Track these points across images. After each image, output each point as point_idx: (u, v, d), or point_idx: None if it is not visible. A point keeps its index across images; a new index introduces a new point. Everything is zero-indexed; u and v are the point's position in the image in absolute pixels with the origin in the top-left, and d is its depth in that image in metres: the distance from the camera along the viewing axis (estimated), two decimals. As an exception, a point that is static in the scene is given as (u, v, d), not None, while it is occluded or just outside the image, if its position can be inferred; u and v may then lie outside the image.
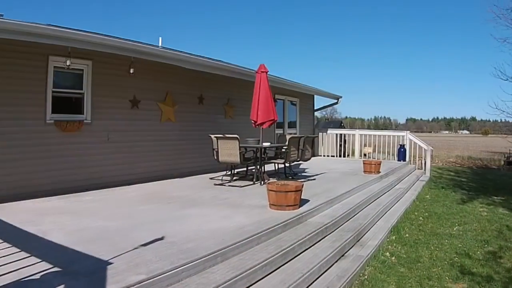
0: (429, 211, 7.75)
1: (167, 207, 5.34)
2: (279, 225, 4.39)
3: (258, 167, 7.40)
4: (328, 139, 14.46)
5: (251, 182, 7.35)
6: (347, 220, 5.54)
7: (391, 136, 13.70)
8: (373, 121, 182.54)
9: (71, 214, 4.74)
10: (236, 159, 7.02)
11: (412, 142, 13.11)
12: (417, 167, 13.03)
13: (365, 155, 15.19)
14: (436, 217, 7.27)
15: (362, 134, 14.26)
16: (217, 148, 7.24)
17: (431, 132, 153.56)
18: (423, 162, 13.29)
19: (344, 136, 15.76)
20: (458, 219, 7.20)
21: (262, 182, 7.28)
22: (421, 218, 7.17)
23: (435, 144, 10.78)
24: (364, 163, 9.18)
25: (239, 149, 6.96)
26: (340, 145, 15.21)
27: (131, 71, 6.97)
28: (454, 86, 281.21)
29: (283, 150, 7.74)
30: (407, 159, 12.96)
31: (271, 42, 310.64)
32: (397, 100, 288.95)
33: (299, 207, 5.06)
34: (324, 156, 14.42)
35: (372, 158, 14.59)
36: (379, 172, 9.04)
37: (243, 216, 4.74)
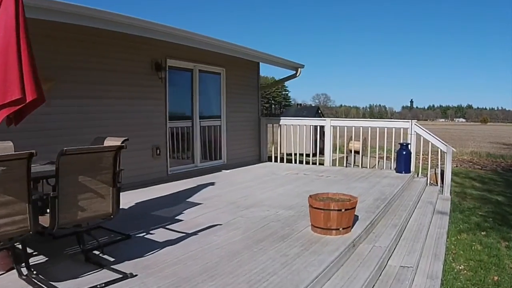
0: None
1: None
2: None
3: None
4: (287, 132, 8.94)
5: None
6: None
7: (385, 128, 8.13)
8: (368, 109, 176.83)
9: None
10: None
11: (422, 139, 7.59)
12: (428, 181, 7.58)
13: (351, 151, 9.86)
14: None
15: (336, 126, 8.67)
16: None
17: (426, 120, 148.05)
18: (438, 172, 7.83)
19: (323, 128, 10.67)
20: None
21: None
22: None
23: (436, 135, 7.14)
24: (312, 208, 3.48)
25: None
26: (315, 140, 10.04)
27: None
28: (451, 74, 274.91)
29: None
30: (412, 167, 7.49)
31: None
32: (392, 89, 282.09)
33: None
34: (280, 158, 8.87)
35: (355, 164, 9.06)
36: (349, 226, 3.50)
37: None
